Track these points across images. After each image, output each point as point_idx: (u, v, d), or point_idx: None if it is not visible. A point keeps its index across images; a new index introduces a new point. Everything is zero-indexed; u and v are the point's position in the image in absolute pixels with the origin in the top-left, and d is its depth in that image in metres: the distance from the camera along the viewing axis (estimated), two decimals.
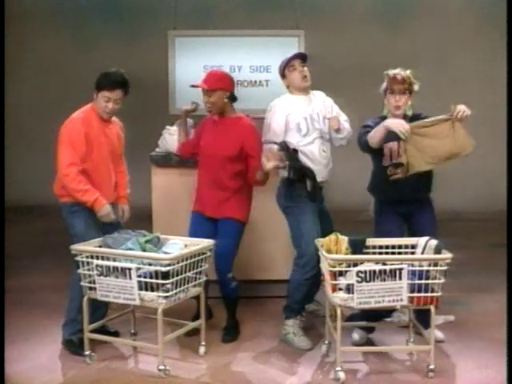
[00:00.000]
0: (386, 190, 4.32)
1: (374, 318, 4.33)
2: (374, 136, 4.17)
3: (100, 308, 4.29)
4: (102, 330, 4.33)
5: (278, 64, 4.59)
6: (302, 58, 4.55)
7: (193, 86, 4.52)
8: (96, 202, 4.15)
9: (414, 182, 4.22)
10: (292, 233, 4.46)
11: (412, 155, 4.08)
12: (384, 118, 4.32)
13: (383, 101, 4.35)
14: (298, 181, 4.32)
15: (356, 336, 4.37)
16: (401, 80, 4.24)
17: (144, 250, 4.06)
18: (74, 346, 4.26)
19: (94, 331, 4.17)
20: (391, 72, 4.30)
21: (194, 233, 4.48)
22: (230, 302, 4.61)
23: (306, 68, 4.50)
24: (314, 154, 4.41)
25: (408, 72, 4.30)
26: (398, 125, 4.05)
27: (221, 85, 4.44)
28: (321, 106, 4.54)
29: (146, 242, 4.13)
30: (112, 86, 4.22)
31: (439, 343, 4.30)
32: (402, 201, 4.30)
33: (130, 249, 4.02)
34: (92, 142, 4.21)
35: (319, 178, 4.40)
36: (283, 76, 4.55)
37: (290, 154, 4.26)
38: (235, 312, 4.64)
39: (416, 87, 4.28)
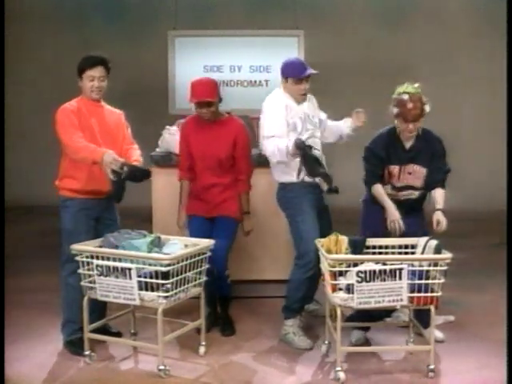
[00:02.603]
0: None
1: (373, 317, 4.33)
2: (376, 197, 4.30)
3: (96, 309, 4.29)
4: (104, 331, 4.34)
5: (285, 61, 4.48)
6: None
7: (199, 102, 4.45)
8: (93, 153, 4.05)
9: (409, 203, 4.34)
10: (292, 233, 4.47)
11: None
12: (394, 130, 4.28)
13: (393, 121, 4.25)
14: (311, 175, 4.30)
15: (352, 337, 4.38)
16: (413, 107, 4.12)
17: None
18: (73, 346, 4.26)
19: (95, 331, 4.17)
20: (402, 98, 4.15)
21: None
22: (226, 299, 4.74)
23: (307, 86, 4.45)
24: None
25: (416, 87, 4.20)
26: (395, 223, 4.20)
27: (218, 94, 4.52)
28: (312, 107, 4.57)
29: (152, 245, 4.11)
30: (92, 64, 4.25)
31: (439, 343, 4.30)
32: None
33: (137, 247, 4.02)
34: (82, 122, 4.19)
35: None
36: (284, 77, 4.46)
37: (307, 152, 4.20)
38: (229, 308, 4.78)
39: (427, 108, 4.17)
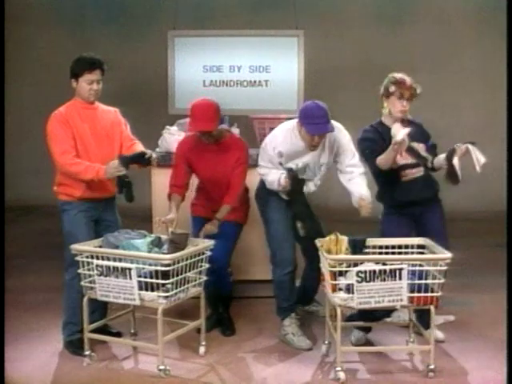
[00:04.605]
0: (396, 194, 4.31)
1: (374, 317, 4.33)
2: (387, 161, 4.13)
3: (97, 309, 4.30)
4: (104, 331, 4.34)
5: (306, 106, 4.24)
6: None
7: (201, 132, 4.38)
8: (99, 173, 4.11)
9: (422, 181, 4.29)
10: (265, 232, 4.55)
11: None
12: (381, 123, 4.30)
13: (382, 103, 4.29)
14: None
15: (353, 337, 4.37)
16: (410, 85, 4.20)
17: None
18: (73, 346, 4.27)
19: (95, 332, 4.17)
20: (399, 76, 4.23)
21: None
22: (227, 298, 4.76)
23: (321, 140, 4.27)
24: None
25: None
26: (403, 135, 3.98)
27: (218, 118, 4.40)
28: (318, 154, 4.36)
29: (152, 245, 4.11)
30: (92, 67, 4.19)
31: (439, 343, 4.30)
32: (412, 202, 4.29)
33: (137, 247, 4.01)
34: (74, 130, 4.19)
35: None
36: (299, 121, 4.25)
37: (298, 181, 4.27)
38: (230, 307, 4.78)
39: (418, 90, 4.24)
